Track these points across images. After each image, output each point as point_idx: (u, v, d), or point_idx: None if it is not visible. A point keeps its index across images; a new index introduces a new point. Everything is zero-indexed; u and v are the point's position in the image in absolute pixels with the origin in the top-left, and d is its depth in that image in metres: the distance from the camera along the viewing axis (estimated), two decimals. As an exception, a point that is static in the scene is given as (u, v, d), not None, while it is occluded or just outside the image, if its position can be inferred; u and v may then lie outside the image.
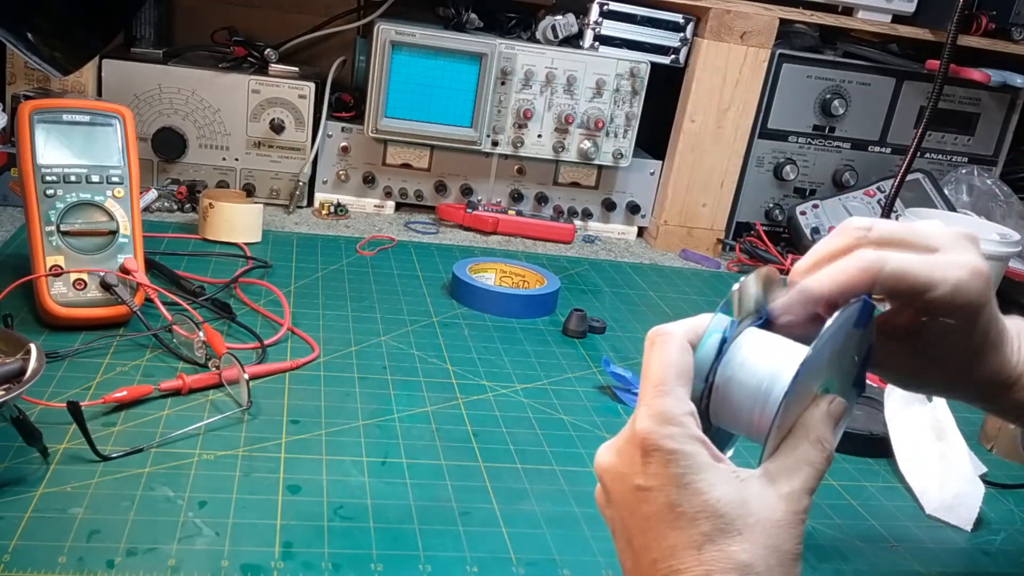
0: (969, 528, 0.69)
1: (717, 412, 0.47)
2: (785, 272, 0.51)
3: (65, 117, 0.84)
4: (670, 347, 0.45)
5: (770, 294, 0.50)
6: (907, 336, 0.52)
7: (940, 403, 0.78)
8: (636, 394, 0.76)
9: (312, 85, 1.24)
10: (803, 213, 1.35)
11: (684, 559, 0.41)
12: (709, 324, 0.47)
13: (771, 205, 1.39)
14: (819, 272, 0.49)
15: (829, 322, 0.45)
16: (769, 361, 0.46)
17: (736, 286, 0.47)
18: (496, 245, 1.26)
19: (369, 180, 1.30)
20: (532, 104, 1.27)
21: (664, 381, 0.44)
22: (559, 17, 1.27)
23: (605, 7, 1.27)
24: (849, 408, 0.48)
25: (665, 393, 0.43)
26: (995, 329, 0.51)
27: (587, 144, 1.30)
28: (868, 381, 0.55)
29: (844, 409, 0.47)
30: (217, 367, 0.76)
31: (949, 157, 1.44)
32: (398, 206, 1.34)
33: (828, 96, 1.35)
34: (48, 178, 0.82)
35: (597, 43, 1.29)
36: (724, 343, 0.47)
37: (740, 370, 0.46)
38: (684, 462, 0.42)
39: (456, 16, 1.30)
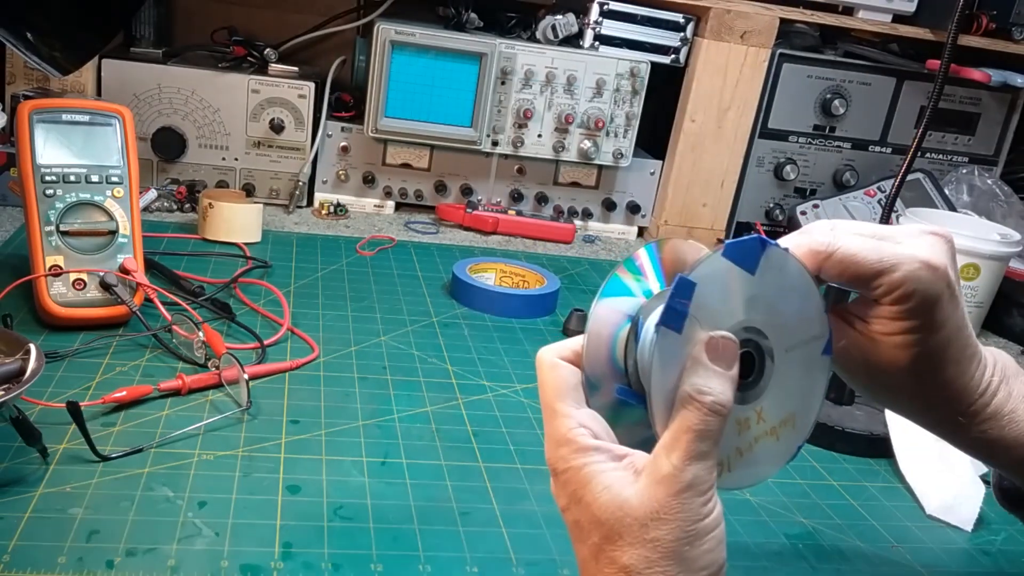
0: (969, 528, 0.69)
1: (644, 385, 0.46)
2: None
3: (64, 117, 0.84)
4: (543, 371, 0.47)
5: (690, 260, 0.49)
6: (862, 323, 0.50)
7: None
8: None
9: (312, 85, 1.24)
10: (803, 213, 1.35)
11: (588, 569, 0.43)
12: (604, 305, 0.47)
13: (771, 205, 1.39)
14: None
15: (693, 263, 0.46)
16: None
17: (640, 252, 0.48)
18: (496, 245, 1.26)
19: (369, 180, 1.30)
20: (532, 104, 1.27)
21: (547, 405, 0.46)
22: (559, 17, 1.27)
23: (605, 7, 1.27)
24: (777, 353, 0.47)
25: (551, 416, 0.46)
26: (959, 343, 0.49)
27: (587, 144, 1.30)
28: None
29: (727, 346, 0.44)
30: (217, 367, 0.76)
31: (950, 157, 1.44)
32: (398, 206, 1.34)
33: (828, 96, 1.35)
34: (47, 178, 0.82)
35: (597, 43, 1.28)
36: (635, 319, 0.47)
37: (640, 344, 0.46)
38: (575, 478, 0.43)
39: (456, 16, 1.30)
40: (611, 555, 0.42)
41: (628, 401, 0.46)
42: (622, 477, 0.43)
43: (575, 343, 0.48)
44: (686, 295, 0.44)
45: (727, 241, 0.46)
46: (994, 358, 0.51)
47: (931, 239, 0.48)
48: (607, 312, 0.48)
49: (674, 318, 0.44)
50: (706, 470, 0.42)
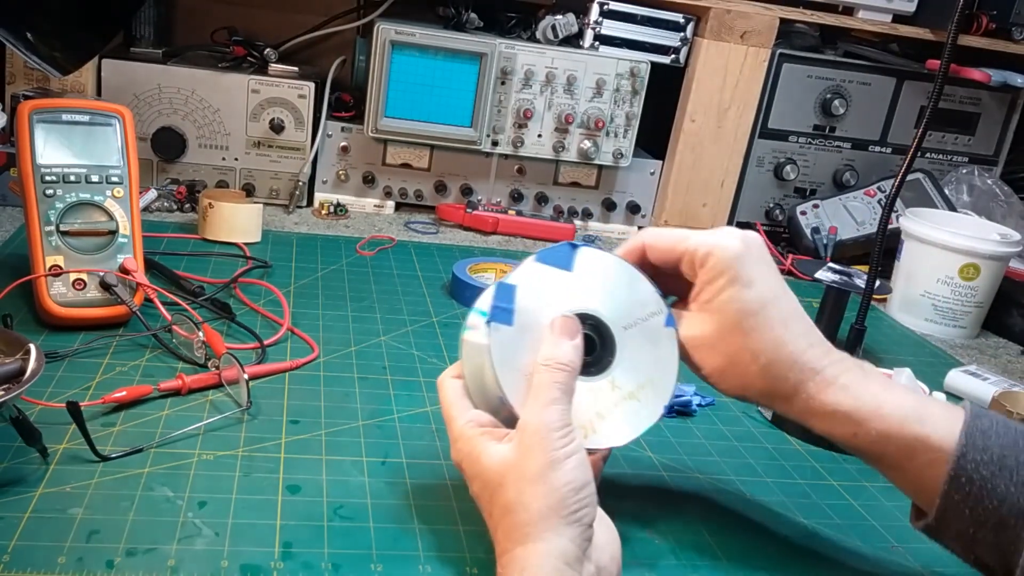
0: (969, 528, 0.69)
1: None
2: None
3: (65, 117, 0.84)
4: (439, 390, 0.59)
5: None
6: (691, 307, 0.59)
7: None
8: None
9: (312, 85, 1.24)
10: (803, 213, 1.35)
11: (491, 530, 0.53)
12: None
13: (771, 205, 1.39)
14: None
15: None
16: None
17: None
18: (496, 245, 1.26)
19: (369, 180, 1.30)
20: (532, 104, 1.27)
21: (444, 416, 0.58)
22: (559, 17, 1.27)
23: (605, 7, 1.27)
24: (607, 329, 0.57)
25: (447, 423, 0.57)
26: (782, 305, 0.57)
27: (587, 144, 1.30)
28: None
29: (567, 322, 0.55)
30: (217, 367, 0.76)
31: (950, 157, 1.44)
32: (398, 206, 1.34)
33: (828, 96, 1.35)
34: (48, 178, 0.82)
35: (597, 43, 1.28)
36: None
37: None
38: (468, 460, 0.54)
39: (456, 16, 1.30)
40: (498, 502, 0.51)
41: (501, 397, 0.55)
42: (501, 446, 0.53)
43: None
44: (508, 296, 0.55)
45: (540, 249, 0.57)
46: (847, 361, 0.57)
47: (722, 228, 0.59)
48: (469, 341, 0.58)
49: (500, 315, 0.55)
50: (559, 412, 0.52)
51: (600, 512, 0.53)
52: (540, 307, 0.55)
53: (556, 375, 0.53)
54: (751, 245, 0.57)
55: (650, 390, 0.58)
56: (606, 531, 0.53)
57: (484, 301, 0.57)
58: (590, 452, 0.53)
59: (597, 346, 0.57)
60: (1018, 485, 0.52)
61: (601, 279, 0.57)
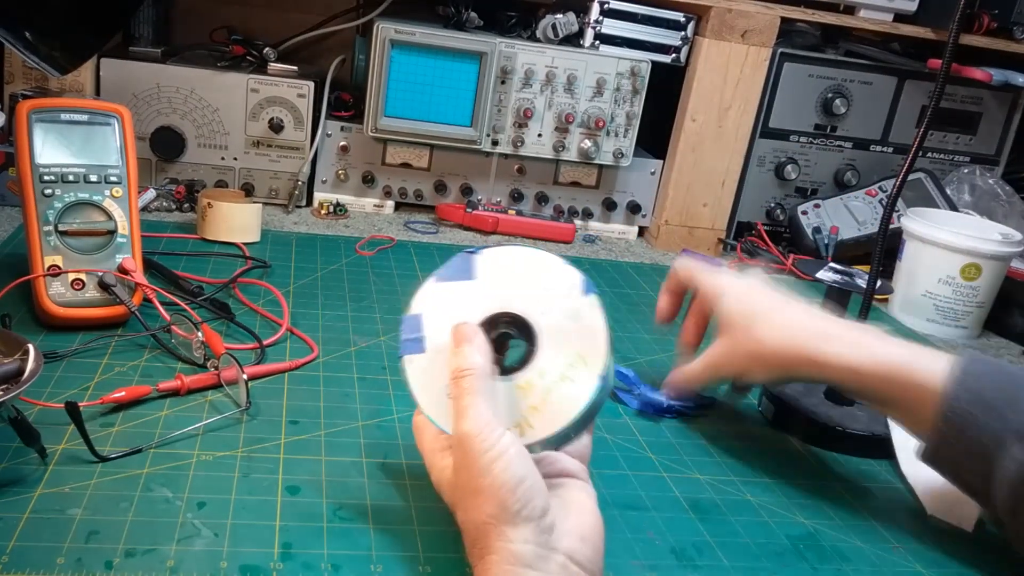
0: (970, 528, 0.69)
1: None
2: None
3: (63, 116, 0.84)
4: (414, 427, 0.59)
5: None
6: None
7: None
8: (636, 394, 0.79)
9: (311, 84, 1.24)
10: (804, 213, 1.35)
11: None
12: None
13: (772, 205, 1.39)
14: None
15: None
16: None
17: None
18: (496, 245, 1.25)
19: (368, 180, 1.30)
20: (532, 103, 1.26)
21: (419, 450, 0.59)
22: (559, 16, 1.27)
23: (606, 6, 1.27)
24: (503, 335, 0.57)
25: (421, 454, 0.58)
26: (777, 308, 0.72)
27: (587, 143, 1.29)
28: None
29: (461, 329, 0.55)
30: (216, 367, 0.75)
31: (951, 157, 1.44)
32: (398, 206, 1.34)
33: (830, 95, 1.34)
34: (46, 178, 0.82)
35: (598, 42, 1.28)
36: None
37: None
38: (438, 489, 0.56)
39: (456, 15, 1.30)
40: (459, 525, 0.52)
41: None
42: (448, 466, 0.54)
43: None
44: (414, 325, 0.56)
45: (438, 268, 0.58)
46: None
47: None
48: None
49: (410, 346, 0.56)
50: (475, 418, 0.51)
51: (569, 492, 0.54)
52: (449, 325, 0.56)
53: (462, 383, 0.53)
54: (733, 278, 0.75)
55: (581, 366, 0.55)
56: (574, 512, 0.52)
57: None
58: (533, 449, 0.53)
59: (521, 343, 0.56)
60: (999, 420, 0.60)
61: (507, 276, 0.57)
